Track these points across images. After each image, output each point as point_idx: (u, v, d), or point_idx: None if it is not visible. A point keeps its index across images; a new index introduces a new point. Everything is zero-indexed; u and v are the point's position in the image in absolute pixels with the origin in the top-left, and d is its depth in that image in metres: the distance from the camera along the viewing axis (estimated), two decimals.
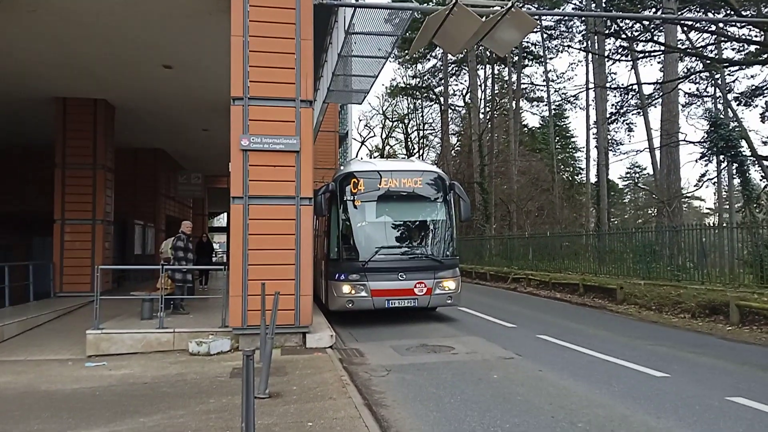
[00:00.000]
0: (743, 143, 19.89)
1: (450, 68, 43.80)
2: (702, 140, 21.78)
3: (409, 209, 12.37)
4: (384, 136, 51.14)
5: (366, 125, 51.99)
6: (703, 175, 27.26)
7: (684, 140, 22.95)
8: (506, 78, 42.18)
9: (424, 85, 47.31)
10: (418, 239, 12.28)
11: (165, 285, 10.37)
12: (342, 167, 12.42)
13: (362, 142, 51.47)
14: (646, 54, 26.13)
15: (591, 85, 32.29)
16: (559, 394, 6.56)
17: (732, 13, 18.92)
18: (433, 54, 42.46)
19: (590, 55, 30.70)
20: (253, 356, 3.86)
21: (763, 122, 29.83)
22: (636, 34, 23.81)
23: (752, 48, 23.11)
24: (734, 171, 23.52)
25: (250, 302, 8.68)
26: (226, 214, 45.06)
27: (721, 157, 21.30)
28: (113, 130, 16.63)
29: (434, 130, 50.27)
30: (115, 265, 17.37)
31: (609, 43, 28.69)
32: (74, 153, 15.74)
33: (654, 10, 24.62)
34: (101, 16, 10.46)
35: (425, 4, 20.78)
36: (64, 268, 15.28)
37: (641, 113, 31.26)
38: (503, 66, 41.57)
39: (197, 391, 6.61)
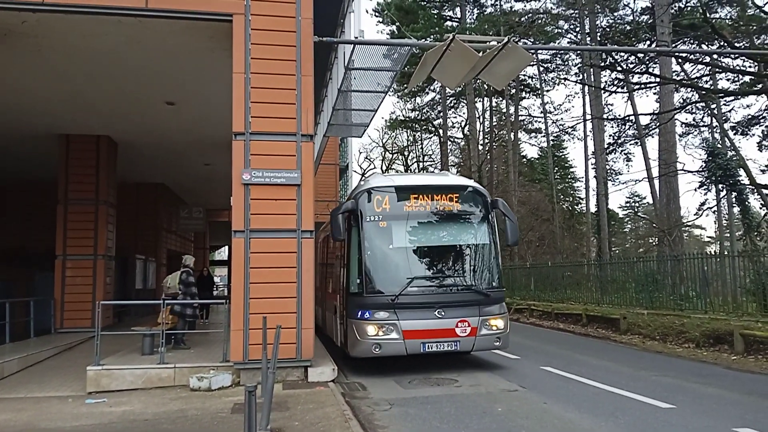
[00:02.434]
0: (741, 172, 20.04)
1: (448, 101, 44.28)
2: (700, 169, 21.93)
3: (445, 231, 10.61)
4: (384, 168, 51.45)
5: (366, 158, 52.24)
6: (703, 204, 27.40)
7: (682, 169, 23.08)
8: (504, 110, 42.63)
9: (423, 117, 47.77)
10: (458, 267, 10.43)
11: (166, 320, 10.33)
12: (362, 182, 10.48)
13: (362, 175, 51.71)
14: (642, 85, 26.52)
15: (588, 117, 32.62)
16: (564, 427, 6.49)
17: (725, 44, 19.25)
18: (432, 87, 42.98)
19: (587, 87, 31.08)
20: (255, 391, 3.86)
21: (761, 151, 30.13)
22: (631, 66, 24.19)
23: (747, 78, 23.45)
24: (733, 199, 23.63)
25: (252, 336, 8.64)
26: (227, 247, 45.05)
27: (720, 185, 21.45)
28: (115, 166, 16.75)
29: (434, 161, 50.59)
30: (116, 300, 17.32)
31: (605, 76, 29.12)
32: (76, 189, 15.82)
33: (648, 42, 25.06)
34: (105, 53, 10.65)
35: (422, 40, 21.14)
36: (65, 303, 15.21)
37: (639, 143, 31.52)
38: (501, 98, 42.03)
39: (198, 428, 6.54)
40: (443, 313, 9.70)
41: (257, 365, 8.41)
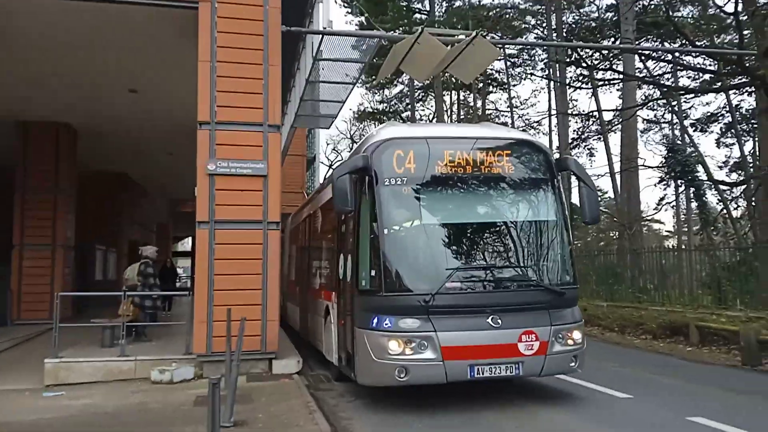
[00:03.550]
0: (700, 168, 20.60)
1: (417, 94, 44.31)
2: (660, 165, 22.45)
3: (496, 202, 7.56)
4: None
5: (334, 149, 51.98)
6: (662, 199, 27.96)
7: (643, 165, 23.58)
8: (472, 104, 42.92)
9: (391, 110, 47.73)
10: (518, 255, 7.34)
11: (127, 311, 10.15)
12: (375, 133, 7.83)
13: (330, 166, 51.56)
14: (606, 82, 26.99)
15: (554, 112, 33.07)
16: (524, 417, 6.61)
17: (687, 43, 19.71)
18: (400, 80, 42.96)
19: (552, 83, 31.49)
20: (219, 384, 3.83)
21: (719, 147, 30.98)
22: (596, 62, 24.59)
23: (707, 76, 24.06)
24: (691, 195, 24.27)
25: (215, 328, 8.55)
26: (190, 238, 44.46)
27: (679, 181, 22.00)
28: (76, 154, 16.35)
29: None
30: (76, 291, 16.93)
31: (570, 71, 29.50)
32: (35, 177, 15.39)
33: (612, 39, 25.49)
34: (66, 40, 10.37)
35: (391, 32, 21.10)
36: (23, 294, 14.82)
37: (602, 139, 32.07)
38: (468, 92, 42.28)
39: (160, 421, 6.47)
40: (500, 322, 6.72)
41: (221, 358, 8.33)
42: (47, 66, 11.60)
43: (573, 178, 8.09)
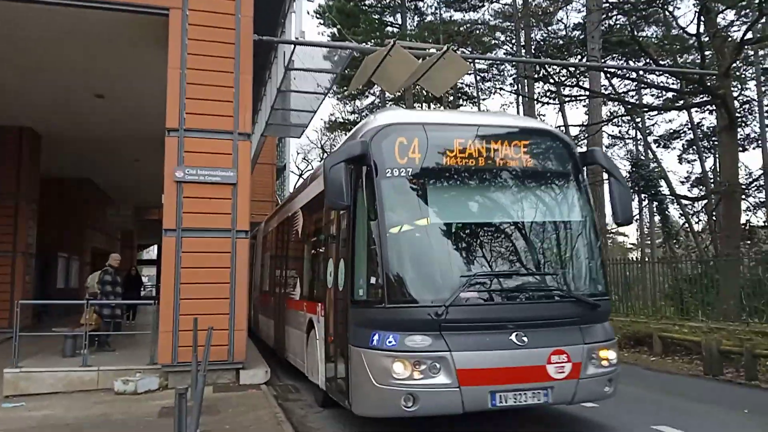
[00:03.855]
0: (662, 183, 21.14)
1: (388, 105, 44.57)
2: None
3: (514, 199, 6.57)
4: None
5: (304, 158, 51.86)
6: None
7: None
8: None
9: (362, 120, 47.89)
10: (544, 260, 6.44)
11: (90, 320, 9.93)
12: (373, 118, 6.82)
13: (300, 175, 51.40)
14: (573, 98, 27.53)
15: None
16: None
17: (651, 62, 20.26)
18: (372, 91, 43.13)
19: (521, 98, 31.97)
20: (186, 394, 3.78)
21: (681, 163, 31.87)
22: (563, 79, 25.03)
23: (670, 94, 24.75)
24: (654, 209, 24.85)
25: (181, 338, 8.42)
26: (156, 246, 43.73)
27: (643, 195, 22.52)
28: (39, 160, 15.97)
29: None
30: (36, 299, 16.49)
31: (538, 87, 30.00)
32: None
33: (579, 57, 26.03)
34: (32, 42, 10.16)
35: (363, 44, 21.23)
36: None
37: None
38: (439, 105, 42.64)
39: None
40: (526, 340, 5.73)
41: (186, 368, 8.21)
42: (10, 68, 11.34)
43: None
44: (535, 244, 6.47)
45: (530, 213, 6.55)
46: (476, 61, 37.15)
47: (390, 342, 5.61)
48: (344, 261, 6.43)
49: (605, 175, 23.90)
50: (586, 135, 25.85)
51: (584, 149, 7.01)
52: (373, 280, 5.88)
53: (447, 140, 6.30)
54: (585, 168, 6.93)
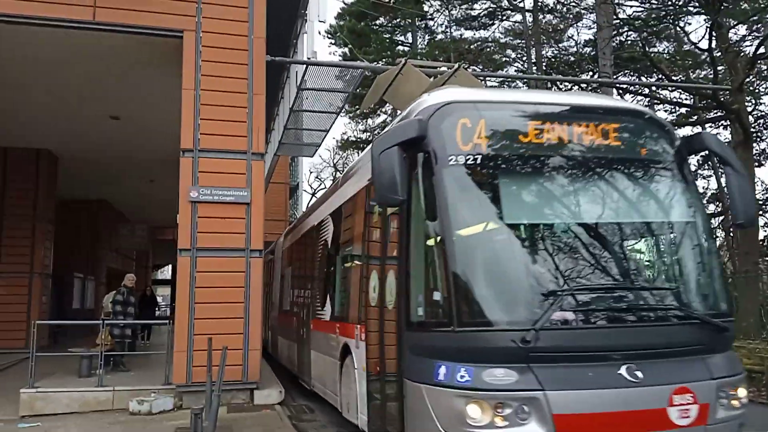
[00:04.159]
0: None
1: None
2: None
3: (611, 194, 5.16)
4: None
5: (317, 177, 52.10)
6: None
7: None
8: None
9: (374, 139, 48.05)
10: (655, 271, 5.30)
11: (105, 341, 9.96)
12: (428, 97, 5.46)
13: (313, 194, 51.63)
14: None
15: None
16: None
17: (663, 78, 20.22)
18: (383, 110, 43.39)
19: None
20: (202, 415, 3.77)
21: (697, 179, 31.57)
22: None
23: (683, 110, 24.63)
24: None
25: (196, 358, 8.43)
26: (170, 266, 43.95)
27: None
28: (56, 181, 16.19)
29: None
30: (53, 319, 16.60)
31: None
32: (13, 203, 15.23)
33: (591, 74, 26.05)
34: (48, 65, 10.35)
35: (375, 63, 21.40)
36: None
37: None
38: None
39: None
40: (640, 375, 4.32)
41: (201, 388, 8.18)
42: (28, 92, 11.56)
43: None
44: (643, 251, 5.18)
45: (633, 211, 5.18)
46: (487, 78, 37.30)
47: (462, 377, 4.24)
48: (395, 273, 5.18)
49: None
50: None
51: (693, 135, 5.55)
52: (436, 296, 4.64)
53: (522, 123, 4.96)
54: (691, 155, 5.66)
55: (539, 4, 28.78)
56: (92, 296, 23.24)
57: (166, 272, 53.86)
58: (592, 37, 27.04)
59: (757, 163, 23.37)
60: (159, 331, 19.60)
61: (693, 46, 21.83)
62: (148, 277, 35.13)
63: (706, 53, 17.53)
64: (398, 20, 34.05)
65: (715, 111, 17.93)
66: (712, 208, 27.42)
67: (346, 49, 32.30)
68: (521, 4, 30.28)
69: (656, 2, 20.49)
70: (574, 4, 26.10)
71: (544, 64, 29.77)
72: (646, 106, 28.08)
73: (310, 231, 10.48)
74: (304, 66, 10.33)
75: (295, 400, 9.61)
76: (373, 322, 5.78)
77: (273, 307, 14.50)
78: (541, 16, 29.31)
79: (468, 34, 33.36)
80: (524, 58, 33.19)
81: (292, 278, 12.35)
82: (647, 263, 5.23)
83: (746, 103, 17.76)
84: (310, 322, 9.53)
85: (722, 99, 15.99)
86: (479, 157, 4.76)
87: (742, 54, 17.24)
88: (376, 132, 47.41)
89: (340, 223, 8.31)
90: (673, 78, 21.65)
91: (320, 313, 8.89)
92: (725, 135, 25.61)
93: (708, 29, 16.01)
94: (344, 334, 7.09)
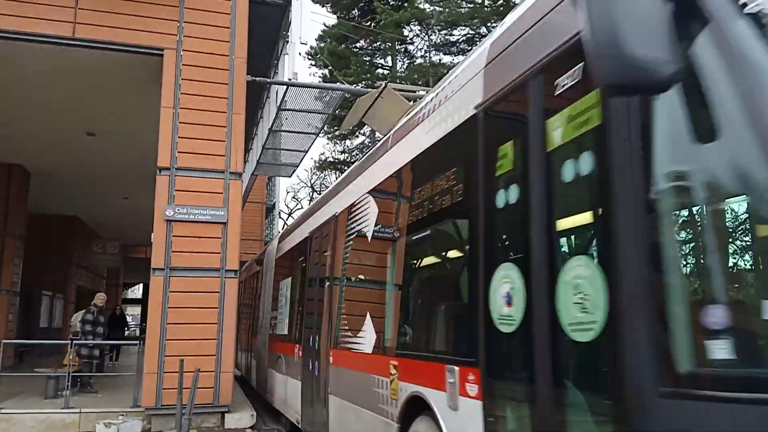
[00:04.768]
0: None
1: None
2: None
3: None
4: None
5: (294, 197, 51.95)
6: None
7: None
8: None
9: (352, 160, 48.19)
10: None
11: (73, 361, 9.73)
12: None
13: (289, 214, 51.43)
14: None
15: None
16: None
17: None
18: (362, 131, 43.59)
19: None
20: None
21: None
22: None
23: None
24: None
25: (166, 380, 8.26)
26: (141, 285, 43.25)
27: None
28: (27, 196, 15.89)
29: None
30: (19, 338, 16.18)
31: None
32: None
33: None
34: (22, 81, 10.21)
35: (354, 85, 21.57)
36: None
37: None
38: None
39: None
40: None
41: (171, 411, 8.01)
42: (2, 106, 11.37)
43: None
44: None
45: None
46: None
47: None
48: (601, 266, 2.44)
49: None
50: None
51: None
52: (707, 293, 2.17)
53: None
54: None
55: None
56: (60, 315, 22.72)
57: (136, 291, 52.99)
58: None
59: None
60: (128, 352, 19.20)
61: None
62: (119, 296, 34.52)
63: None
64: (378, 43, 34.44)
65: None
66: None
67: (326, 71, 32.53)
68: None
69: None
70: None
71: None
72: None
73: (333, 223, 7.09)
74: (285, 87, 10.37)
75: (267, 424, 9.46)
76: (496, 366, 3.20)
77: (258, 330, 12.48)
78: None
79: (447, 59, 33.81)
80: None
81: (293, 293, 9.55)
82: None
83: None
84: (328, 354, 6.48)
85: None
86: None
87: None
88: (354, 153, 47.66)
89: (389, 201, 5.49)
90: None
91: (351, 341, 5.82)
92: None
93: None
94: (415, 379, 4.21)
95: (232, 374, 8.94)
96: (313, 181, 51.88)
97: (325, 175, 51.37)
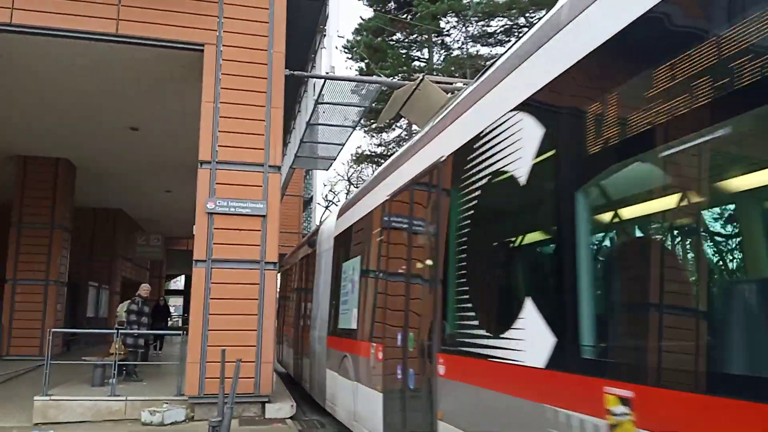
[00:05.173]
0: None
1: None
2: None
3: None
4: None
5: (331, 190, 52.23)
6: None
7: None
8: None
9: (389, 153, 48.20)
10: None
11: (119, 350, 10.00)
12: None
13: (327, 207, 51.73)
14: None
15: None
16: None
17: None
18: (399, 124, 43.52)
19: None
20: (220, 427, 3.76)
21: None
22: None
23: None
24: None
25: (208, 369, 8.43)
26: (183, 276, 44.15)
27: None
28: (73, 190, 16.37)
29: None
30: (67, 327, 16.72)
31: None
32: (31, 212, 15.38)
33: None
34: (69, 76, 10.50)
35: (391, 78, 21.51)
36: (13, 330, 14.63)
37: None
38: None
39: None
40: None
41: (213, 400, 8.19)
42: (48, 102, 11.71)
43: None
44: None
45: None
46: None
47: None
48: None
49: None
50: None
51: None
52: None
53: None
54: None
55: None
56: (106, 305, 23.39)
57: (179, 282, 54.12)
58: None
59: None
60: (171, 342, 19.66)
61: None
62: (162, 287, 35.30)
63: None
64: (415, 36, 34.22)
65: None
66: None
67: (363, 64, 32.52)
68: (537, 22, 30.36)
69: None
70: None
71: None
72: None
73: (436, 173, 5.04)
74: (323, 80, 10.41)
75: (306, 415, 9.56)
76: None
77: (312, 323, 10.73)
78: None
79: (484, 50, 33.42)
80: None
81: (364, 275, 7.31)
82: None
83: None
84: (436, 359, 4.52)
85: None
86: None
87: None
88: (391, 146, 47.56)
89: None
90: None
91: (487, 344, 3.75)
92: None
93: None
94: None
95: (272, 365, 9.05)
96: (350, 174, 52.06)
97: (361, 168, 51.50)
